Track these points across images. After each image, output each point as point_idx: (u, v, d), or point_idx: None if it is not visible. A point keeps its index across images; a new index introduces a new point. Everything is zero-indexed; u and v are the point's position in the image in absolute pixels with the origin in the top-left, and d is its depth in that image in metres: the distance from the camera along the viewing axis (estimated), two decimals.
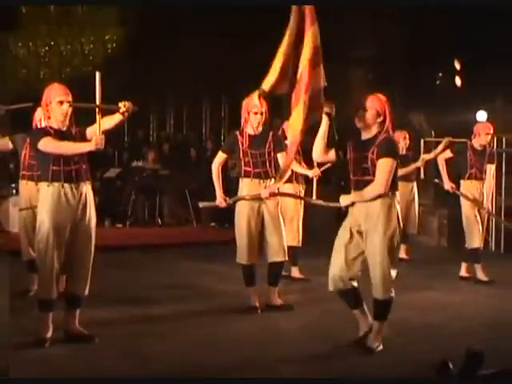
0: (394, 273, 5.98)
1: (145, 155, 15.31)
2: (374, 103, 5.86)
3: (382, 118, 5.83)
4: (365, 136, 5.86)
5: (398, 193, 5.89)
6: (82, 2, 15.26)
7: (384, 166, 5.70)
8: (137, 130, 17.44)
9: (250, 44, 15.13)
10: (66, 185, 5.85)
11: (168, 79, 16.51)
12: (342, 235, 5.95)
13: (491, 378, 3.13)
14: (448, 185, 9.11)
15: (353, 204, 5.88)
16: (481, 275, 9.03)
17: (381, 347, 5.91)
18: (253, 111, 7.10)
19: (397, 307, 7.00)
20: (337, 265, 5.92)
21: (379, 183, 5.71)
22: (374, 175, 5.73)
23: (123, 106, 5.81)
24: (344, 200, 5.90)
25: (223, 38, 15.35)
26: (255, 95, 6.05)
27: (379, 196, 5.74)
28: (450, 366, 3.33)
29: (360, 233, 5.87)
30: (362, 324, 6.04)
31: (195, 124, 18.34)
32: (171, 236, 13.52)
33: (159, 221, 14.89)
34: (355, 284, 5.97)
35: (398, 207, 5.87)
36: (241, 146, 7.15)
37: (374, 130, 5.83)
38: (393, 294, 5.88)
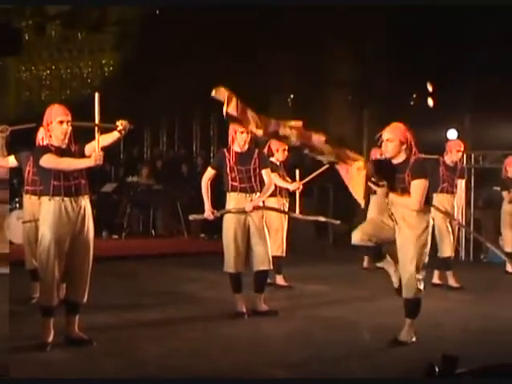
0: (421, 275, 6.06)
1: (139, 171, 15.31)
2: (396, 134, 5.99)
3: (405, 145, 5.97)
4: (396, 161, 6.01)
5: (432, 209, 6.19)
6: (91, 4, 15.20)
7: (418, 187, 5.90)
8: (132, 147, 17.43)
9: (236, 68, 15.18)
10: (66, 199, 5.84)
11: (161, 100, 16.54)
12: (380, 216, 6.23)
13: (463, 377, 3.16)
14: None
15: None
16: (452, 282, 9.08)
17: (414, 339, 6.05)
18: (239, 130, 7.12)
19: (379, 313, 7.03)
20: (369, 227, 6.14)
21: (414, 202, 5.91)
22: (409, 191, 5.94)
23: (120, 124, 5.83)
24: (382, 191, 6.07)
25: (212, 62, 15.40)
26: None
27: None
28: (436, 368, 3.34)
29: (394, 222, 6.04)
30: (392, 276, 6.14)
31: (186, 142, 18.34)
32: (164, 246, 13.51)
33: (153, 232, 14.90)
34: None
35: (431, 221, 6.10)
36: (228, 163, 7.16)
37: (402, 155, 5.99)
38: (421, 295, 6.01)
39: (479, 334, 6.64)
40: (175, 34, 14.93)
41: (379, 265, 6.18)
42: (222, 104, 5.63)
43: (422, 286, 6.01)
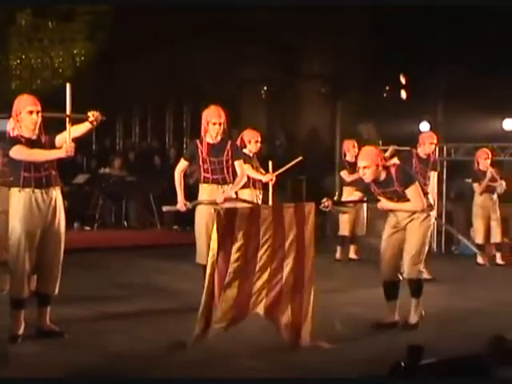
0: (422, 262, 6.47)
1: (111, 162, 15.25)
2: (372, 159, 6.19)
3: (381, 166, 6.21)
4: (379, 180, 6.25)
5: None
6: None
7: (414, 192, 6.24)
8: (104, 138, 17.35)
9: (211, 59, 15.15)
10: (36, 190, 5.81)
11: (133, 91, 16.47)
12: (389, 234, 6.47)
13: (430, 369, 3.18)
14: None
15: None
16: (424, 273, 9.12)
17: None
18: (212, 122, 7.12)
19: (349, 304, 7.08)
20: (390, 260, 6.39)
21: (417, 205, 6.26)
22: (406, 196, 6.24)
23: (92, 115, 5.80)
24: (383, 204, 6.35)
25: (185, 53, 15.37)
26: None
27: None
28: (402, 365, 3.35)
29: (404, 229, 6.37)
30: (389, 315, 6.44)
31: (159, 133, 18.29)
32: (137, 238, 13.49)
33: (125, 224, 14.86)
34: (400, 277, 6.42)
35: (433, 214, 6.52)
36: (200, 154, 7.16)
37: (383, 174, 6.23)
38: (421, 276, 6.46)
39: (451, 325, 6.70)
40: (148, 24, 14.88)
41: (389, 304, 6.45)
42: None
43: (422, 269, 6.47)
